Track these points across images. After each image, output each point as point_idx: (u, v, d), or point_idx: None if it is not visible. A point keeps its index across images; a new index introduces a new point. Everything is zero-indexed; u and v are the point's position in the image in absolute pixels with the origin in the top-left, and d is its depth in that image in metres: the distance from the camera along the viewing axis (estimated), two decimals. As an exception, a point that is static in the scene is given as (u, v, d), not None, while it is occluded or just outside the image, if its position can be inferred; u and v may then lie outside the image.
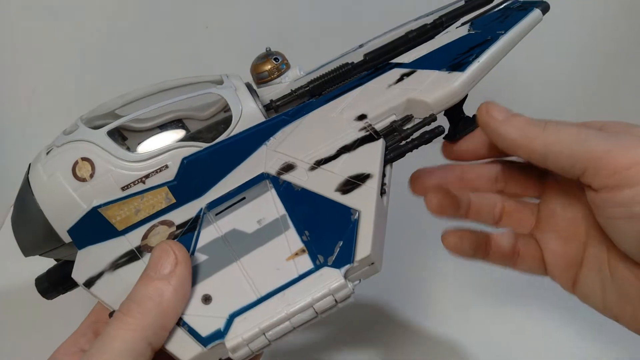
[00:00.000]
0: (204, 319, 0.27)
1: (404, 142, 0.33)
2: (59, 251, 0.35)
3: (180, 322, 0.27)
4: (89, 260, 0.33)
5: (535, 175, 0.34)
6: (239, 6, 0.61)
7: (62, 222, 0.34)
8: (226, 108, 0.36)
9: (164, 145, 0.34)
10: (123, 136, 0.39)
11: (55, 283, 0.37)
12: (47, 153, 0.35)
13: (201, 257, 0.30)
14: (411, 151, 0.32)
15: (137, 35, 0.63)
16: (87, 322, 0.32)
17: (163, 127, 0.37)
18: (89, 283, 0.32)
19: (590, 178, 0.26)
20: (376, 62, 0.42)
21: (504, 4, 0.39)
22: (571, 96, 0.67)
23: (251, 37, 0.47)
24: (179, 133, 0.36)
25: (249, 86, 0.37)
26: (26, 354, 0.46)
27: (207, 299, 0.28)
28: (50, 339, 0.33)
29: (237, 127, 0.35)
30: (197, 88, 0.38)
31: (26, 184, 0.35)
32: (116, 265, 0.32)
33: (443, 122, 0.34)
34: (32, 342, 0.48)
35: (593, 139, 0.26)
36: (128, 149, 0.34)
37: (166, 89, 0.38)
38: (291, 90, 0.41)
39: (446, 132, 0.34)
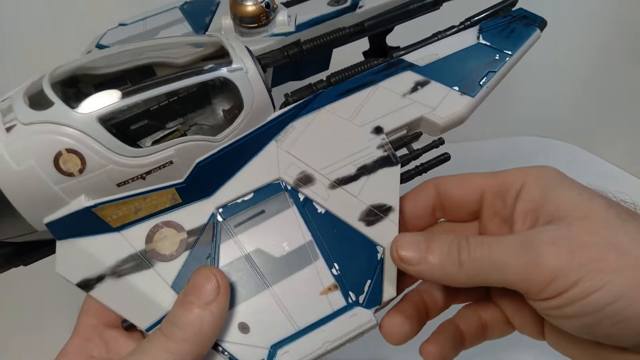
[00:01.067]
0: (245, 348, 0.29)
1: (414, 166, 0.34)
2: (27, 236, 0.31)
3: (220, 349, 0.29)
4: (79, 256, 0.30)
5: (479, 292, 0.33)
6: None
7: (37, 213, 0.29)
8: (222, 84, 0.32)
9: (165, 137, 0.30)
10: (76, 79, 0.32)
11: (11, 256, 0.33)
12: (8, 129, 0.28)
13: (229, 278, 0.30)
14: (420, 175, 0.35)
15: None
16: (87, 325, 0.31)
17: (146, 102, 0.31)
18: (86, 285, 0.30)
19: (522, 292, 0.26)
20: (374, 31, 0.40)
21: (506, 3, 0.39)
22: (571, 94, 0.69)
23: None
24: (177, 117, 0.31)
25: (256, 63, 0.33)
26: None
27: (244, 328, 0.29)
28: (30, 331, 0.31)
29: (246, 119, 0.32)
30: (199, 53, 0.32)
31: None
32: (121, 271, 0.30)
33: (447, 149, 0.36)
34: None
35: (509, 266, 0.25)
36: (117, 133, 0.29)
37: (156, 49, 0.32)
38: (283, 47, 0.37)
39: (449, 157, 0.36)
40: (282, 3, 0.42)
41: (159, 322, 0.29)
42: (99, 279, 0.30)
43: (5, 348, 0.43)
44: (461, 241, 0.27)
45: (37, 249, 0.33)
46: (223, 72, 0.31)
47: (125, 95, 0.29)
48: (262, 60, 0.36)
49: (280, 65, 0.39)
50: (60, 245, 0.30)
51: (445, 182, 0.32)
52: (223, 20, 0.39)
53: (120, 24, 0.44)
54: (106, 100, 0.29)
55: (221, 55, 0.32)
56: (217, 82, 0.31)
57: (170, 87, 0.30)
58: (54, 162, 0.28)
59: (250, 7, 0.37)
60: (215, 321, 0.27)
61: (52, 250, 0.33)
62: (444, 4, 0.41)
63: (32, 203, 0.29)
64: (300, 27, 0.38)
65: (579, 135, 0.71)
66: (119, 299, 0.30)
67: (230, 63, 0.31)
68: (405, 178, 0.34)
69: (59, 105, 0.28)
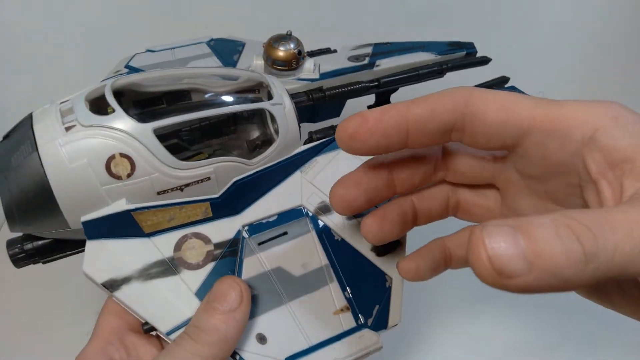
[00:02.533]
0: (262, 359, 0.31)
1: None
2: (56, 233, 0.32)
3: (237, 357, 0.31)
4: (108, 257, 0.32)
5: (488, 161, 0.26)
6: (239, 6, 0.58)
7: (75, 210, 0.31)
8: (263, 115, 0.35)
9: (209, 155, 0.33)
10: (120, 93, 0.35)
11: (32, 252, 0.34)
12: (67, 129, 0.30)
13: (251, 291, 0.32)
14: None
15: (137, 35, 0.58)
16: (108, 327, 0.31)
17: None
18: (112, 285, 0.31)
19: None
20: (387, 88, 0.45)
21: (499, 80, 0.46)
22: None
23: (251, 37, 0.45)
24: (220, 137, 0.34)
25: (292, 102, 0.36)
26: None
27: (262, 339, 0.31)
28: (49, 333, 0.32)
29: (277, 148, 0.35)
30: (244, 89, 0.36)
31: (35, 156, 0.29)
32: (148, 274, 0.31)
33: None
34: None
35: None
36: (167, 145, 0.32)
37: (207, 77, 0.35)
38: (308, 91, 0.42)
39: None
40: (307, 52, 0.46)
41: (179, 327, 0.30)
42: (125, 280, 0.31)
43: (19, 349, 0.42)
44: (571, 222, 0.17)
45: (58, 248, 0.34)
46: (266, 105, 0.34)
47: (179, 112, 0.32)
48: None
49: (300, 108, 0.43)
50: (90, 244, 0.32)
51: (479, 99, 0.22)
52: (255, 61, 0.43)
53: (148, 50, 0.47)
54: (162, 114, 0.31)
55: (264, 90, 0.36)
56: (259, 113, 0.34)
57: (220, 111, 0.33)
58: (106, 163, 0.30)
59: (283, 52, 0.41)
60: (238, 327, 0.29)
61: (70, 252, 0.34)
62: (447, 74, 0.46)
63: (74, 199, 0.30)
64: (323, 76, 0.43)
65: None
66: (143, 301, 0.31)
67: (272, 97, 0.35)
68: None
69: (119, 112, 0.30)
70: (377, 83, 0.43)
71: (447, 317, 0.51)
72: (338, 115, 0.47)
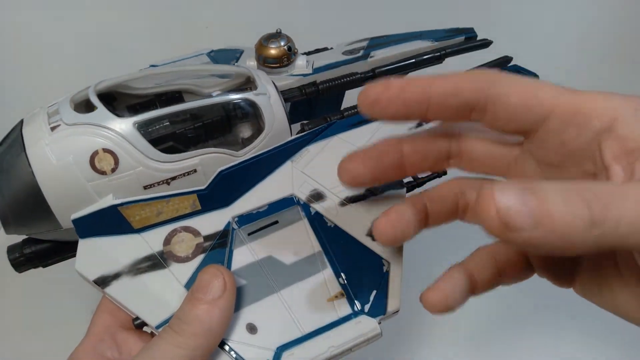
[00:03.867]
0: (252, 349, 0.30)
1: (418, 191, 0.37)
2: (50, 234, 0.33)
3: (227, 348, 0.30)
4: (99, 255, 0.32)
5: (499, 150, 0.26)
6: (239, 6, 0.58)
7: (65, 209, 0.31)
8: (247, 105, 0.35)
9: (194, 148, 0.33)
10: (112, 96, 0.36)
11: (32, 256, 0.34)
12: (53, 129, 0.31)
13: (240, 281, 0.32)
14: (419, 187, 0.37)
15: (138, 35, 0.59)
16: (101, 325, 0.32)
17: (178, 114, 0.34)
18: (103, 282, 0.31)
19: None
20: (382, 78, 0.44)
21: (501, 60, 0.44)
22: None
23: (251, 37, 0.45)
24: (205, 129, 0.34)
25: (278, 91, 0.36)
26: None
27: (252, 329, 0.30)
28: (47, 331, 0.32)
29: (266, 138, 0.35)
30: (228, 82, 0.36)
31: (22, 157, 0.30)
32: (137, 269, 0.31)
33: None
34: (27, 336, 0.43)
35: None
36: (151, 139, 0.32)
37: (193, 71, 0.36)
38: (301, 85, 0.41)
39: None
40: (302, 53, 0.46)
41: (168, 320, 0.30)
42: (116, 276, 0.31)
43: (17, 348, 0.43)
44: (580, 188, 0.18)
45: (57, 251, 0.35)
46: (250, 95, 0.34)
47: (161, 105, 0.32)
48: (282, 95, 0.40)
49: (297, 104, 0.43)
50: (82, 243, 0.32)
51: (502, 83, 0.23)
52: (248, 62, 0.43)
53: (152, 65, 0.49)
54: (144, 109, 0.32)
55: (248, 82, 0.36)
56: (243, 104, 0.34)
57: (202, 103, 0.33)
58: (90, 159, 0.30)
59: (274, 49, 0.41)
60: (223, 316, 0.29)
61: (69, 254, 0.34)
62: (447, 60, 0.45)
63: (63, 198, 0.31)
64: (317, 70, 0.42)
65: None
66: (133, 296, 0.31)
67: (255, 88, 0.35)
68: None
69: (101, 109, 0.31)
70: (372, 73, 0.43)
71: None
72: (338, 110, 0.47)
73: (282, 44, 0.41)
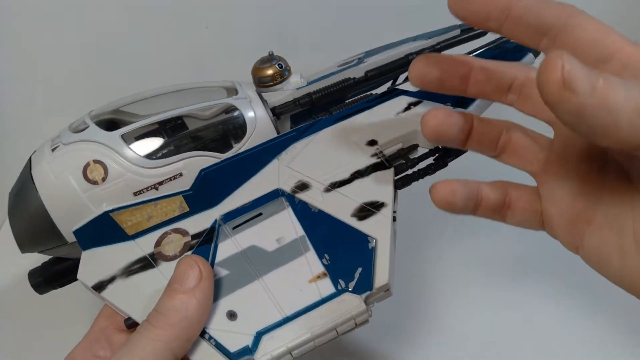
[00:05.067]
0: (231, 335, 0.29)
1: (411, 171, 0.35)
2: (60, 250, 0.35)
3: (207, 336, 0.29)
4: (97, 262, 0.33)
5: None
6: (239, 6, 0.61)
7: (67, 222, 0.34)
8: (234, 110, 0.36)
9: (178, 152, 0.35)
10: (110, 112, 0.38)
11: (49, 278, 0.37)
12: (53, 150, 0.34)
13: (222, 272, 0.31)
14: (417, 180, 0.35)
15: (138, 35, 0.62)
16: (97, 327, 0.33)
17: (170, 124, 0.36)
18: (99, 287, 0.32)
19: None
20: (377, 80, 0.44)
21: (499, 42, 0.42)
22: None
23: (252, 37, 0.47)
24: (188, 135, 0.36)
25: (260, 96, 0.38)
26: (26, 354, 0.45)
27: (232, 315, 0.30)
28: (50, 338, 0.33)
29: (250, 139, 0.36)
30: (211, 94, 0.38)
31: (28, 179, 0.34)
32: (129, 271, 0.32)
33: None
34: (31, 341, 0.47)
35: None
36: (136, 148, 0.34)
37: (177, 91, 0.38)
38: (294, 98, 0.42)
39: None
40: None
41: None
42: (111, 280, 0.32)
43: (27, 350, 0.45)
44: None
45: (72, 270, 0.37)
46: (229, 100, 0.36)
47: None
48: (277, 109, 0.42)
49: (297, 117, 0.44)
50: (85, 254, 0.34)
51: (581, 16, 0.23)
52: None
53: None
54: (129, 122, 0.35)
55: (231, 91, 0.38)
56: (223, 108, 0.36)
57: (183, 110, 0.35)
58: (83, 171, 0.33)
59: (266, 69, 0.43)
60: (200, 305, 0.28)
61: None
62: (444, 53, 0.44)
63: (64, 210, 0.33)
64: (310, 82, 0.44)
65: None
66: (124, 297, 0.32)
67: (236, 94, 0.37)
68: (402, 183, 0.35)
69: (92, 127, 0.34)
70: (365, 77, 0.43)
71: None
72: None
73: (274, 63, 0.44)
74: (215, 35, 0.53)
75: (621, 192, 0.24)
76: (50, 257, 0.37)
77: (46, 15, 0.61)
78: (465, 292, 0.50)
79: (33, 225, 0.34)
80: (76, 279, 0.37)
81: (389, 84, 0.44)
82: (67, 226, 0.34)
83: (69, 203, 0.33)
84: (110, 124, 0.35)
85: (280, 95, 0.43)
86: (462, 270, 0.52)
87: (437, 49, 0.44)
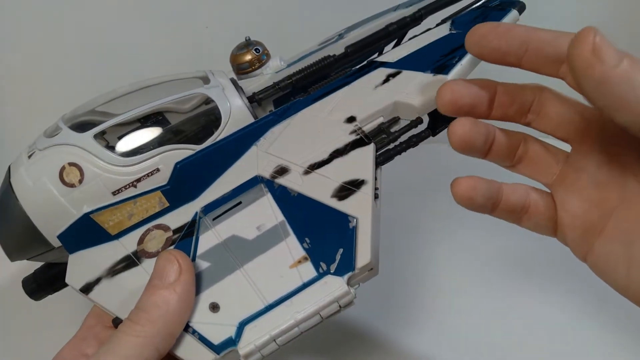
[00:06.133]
0: (214, 327, 0.28)
1: (392, 146, 0.34)
2: (48, 255, 0.35)
3: (190, 330, 0.28)
4: (83, 265, 0.33)
5: (577, 116, 0.29)
6: (239, 6, 0.60)
7: (51, 227, 0.34)
8: (207, 100, 0.36)
9: (153, 148, 0.34)
10: (82, 114, 0.38)
11: (43, 284, 0.37)
12: (29, 156, 0.34)
13: (203, 264, 0.31)
14: (399, 154, 0.34)
15: (137, 35, 0.61)
16: (86, 326, 0.33)
17: (144, 120, 0.36)
18: (87, 289, 0.32)
19: None
20: (358, 55, 0.42)
21: (482, 1, 0.40)
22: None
23: (252, 37, 0.47)
24: (162, 129, 0.35)
25: (234, 83, 0.37)
26: (20, 356, 0.46)
27: (214, 307, 0.29)
28: (44, 341, 0.33)
29: (226, 128, 0.35)
30: (183, 85, 0.37)
31: (8, 188, 0.34)
32: (114, 271, 0.32)
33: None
34: (24, 344, 0.47)
35: None
36: (110, 146, 0.34)
37: (149, 86, 0.38)
38: (274, 82, 0.41)
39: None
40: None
41: None
42: (97, 281, 0.32)
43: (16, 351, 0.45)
44: None
45: (64, 275, 0.37)
46: (201, 89, 0.35)
47: (117, 115, 0.34)
48: (256, 96, 0.41)
49: (280, 101, 0.43)
50: (71, 258, 0.34)
51: None
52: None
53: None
54: (102, 122, 0.34)
55: (205, 81, 0.37)
56: (196, 98, 0.35)
57: (154, 105, 0.35)
58: (59, 175, 0.33)
59: (244, 55, 0.42)
60: (182, 300, 0.28)
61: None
62: (427, 20, 0.43)
63: (46, 216, 0.33)
64: (290, 64, 0.43)
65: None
66: (110, 296, 0.31)
67: (208, 82, 0.36)
68: (384, 159, 0.33)
69: (65, 130, 0.34)
70: (344, 53, 0.42)
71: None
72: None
73: (251, 48, 0.42)
74: (215, 35, 0.53)
75: (635, 207, 0.26)
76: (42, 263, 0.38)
77: (46, 15, 0.60)
78: (467, 291, 0.49)
79: (18, 233, 0.34)
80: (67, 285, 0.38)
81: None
82: (51, 231, 0.34)
83: (50, 208, 0.33)
84: (85, 125, 0.35)
85: (260, 80, 0.42)
86: (465, 269, 0.50)
87: (419, 16, 0.42)
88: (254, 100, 0.40)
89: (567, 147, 0.30)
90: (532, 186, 0.30)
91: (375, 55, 0.40)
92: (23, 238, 0.34)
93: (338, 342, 0.45)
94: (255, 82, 0.42)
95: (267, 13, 0.58)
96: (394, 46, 0.40)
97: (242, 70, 0.43)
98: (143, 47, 0.52)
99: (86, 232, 0.33)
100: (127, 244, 0.33)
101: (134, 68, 0.62)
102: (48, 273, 0.37)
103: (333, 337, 0.45)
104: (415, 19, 0.42)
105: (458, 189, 0.29)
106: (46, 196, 0.33)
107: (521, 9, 0.38)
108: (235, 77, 0.43)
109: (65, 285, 0.37)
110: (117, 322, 0.31)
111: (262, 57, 0.43)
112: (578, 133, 0.29)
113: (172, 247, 0.32)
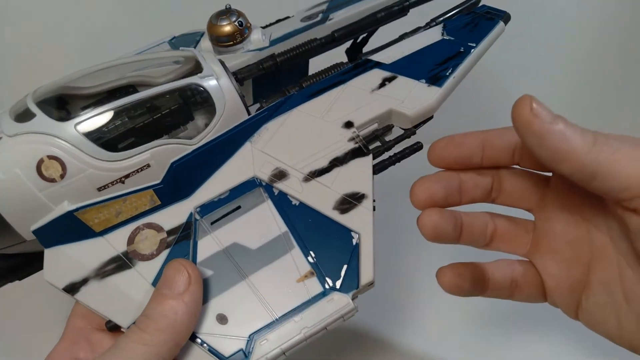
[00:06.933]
0: (224, 339, 0.29)
1: (387, 156, 0.35)
2: (17, 247, 0.32)
3: (198, 341, 0.29)
4: (64, 262, 0.31)
5: (532, 186, 0.32)
6: (239, 6, 0.55)
7: (24, 221, 0.31)
8: (194, 90, 0.34)
9: (143, 142, 0.32)
10: (64, 100, 0.35)
11: (6, 272, 0.34)
12: (-5, 142, 0.30)
13: (206, 272, 0.31)
14: (393, 164, 0.35)
15: (137, 35, 0.58)
16: (74, 328, 0.32)
17: (123, 110, 0.33)
18: (72, 289, 0.31)
19: None
20: (345, 40, 0.42)
21: (469, 3, 0.41)
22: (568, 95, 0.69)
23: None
24: (152, 120, 0.33)
25: (227, 71, 0.35)
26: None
27: (222, 319, 0.30)
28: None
29: (220, 122, 0.34)
30: (172, 66, 0.34)
31: None
32: (104, 272, 0.31)
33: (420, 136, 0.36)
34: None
35: None
36: (96, 139, 0.31)
37: (134, 62, 0.34)
38: (258, 61, 0.39)
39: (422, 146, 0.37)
40: (262, 27, 0.44)
41: None
42: (84, 281, 0.31)
43: None
44: (596, 131, 0.25)
45: (30, 263, 0.34)
46: (194, 79, 0.33)
47: (102, 103, 0.31)
48: (239, 74, 0.39)
49: (259, 80, 0.41)
50: (48, 252, 0.32)
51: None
52: (202, 44, 0.41)
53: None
54: (84, 109, 0.31)
55: (194, 65, 0.34)
56: (189, 89, 0.33)
57: (144, 95, 0.32)
58: (36, 169, 0.30)
59: (225, 26, 0.39)
60: (189, 311, 0.28)
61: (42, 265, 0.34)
62: (413, 11, 0.42)
63: (19, 210, 0.30)
64: (273, 42, 0.40)
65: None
66: (102, 300, 0.30)
67: (201, 71, 0.33)
68: (378, 169, 0.34)
69: (40, 116, 0.30)
70: (332, 37, 0.40)
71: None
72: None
73: (233, 19, 0.40)
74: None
75: (606, 256, 0.28)
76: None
77: (45, 15, 0.58)
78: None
79: None
80: (36, 271, 0.35)
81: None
82: (24, 225, 0.31)
83: (24, 202, 0.30)
84: (60, 107, 0.31)
85: (242, 57, 0.40)
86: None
87: (406, 5, 0.42)
88: (237, 79, 0.38)
89: (531, 217, 0.33)
90: (513, 259, 0.32)
91: (369, 52, 0.39)
92: None
93: (335, 338, 0.46)
94: (237, 59, 0.40)
95: (267, 14, 0.56)
96: (385, 45, 0.40)
97: (221, 43, 0.40)
98: (142, 45, 0.48)
99: (68, 229, 0.31)
100: (115, 243, 0.32)
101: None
102: (12, 260, 0.34)
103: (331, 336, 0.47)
104: (403, 9, 0.42)
105: (443, 280, 0.31)
106: (20, 190, 0.30)
107: (506, 19, 0.40)
108: (212, 47, 0.41)
109: (31, 273, 0.35)
110: (110, 325, 0.31)
111: (244, 31, 0.40)
112: (538, 199, 0.32)
113: (167, 250, 0.32)
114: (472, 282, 0.31)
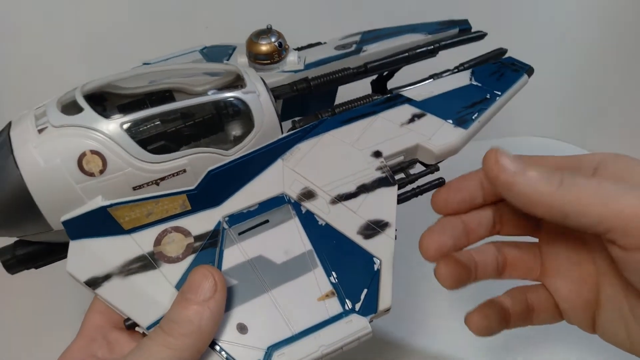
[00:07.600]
0: (243, 349, 0.30)
1: (410, 188, 0.37)
2: (40, 236, 0.33)
3: (217, 348, 0.30)
4: (89, 256, 0.32)
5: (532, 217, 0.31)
6: (239, 6, 0.57)
7: (54, 211, 0.31)
8: (242, 106, 0.35)
9: (182, 147, 0.33)
10: (102, 97, 0.35)
11: (24, 258, 0.34)
12: (40, 131, 0.31)
13: (230, 281, 0.31)
14: (416, 197, 0.37)
15: (137, 35, 0.58)
16: (92, 325, 0.32)
17: (167, 114, 0.34)
18: (94, 283, 0.31)
19: (618, 237, 0.24)
20: (375, 73, 0.43)
21: (496, 52, 0.44)
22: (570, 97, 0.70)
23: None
24: (193, 127, 0.34)
25: (268, 90, 0.36)
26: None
27: (242, 328, 0.30)
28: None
29: (256, 137, 0.35)
30: (217, 79, 0.35)
31: (9, 160, 0.30)
32: (128, 270, 0.31)
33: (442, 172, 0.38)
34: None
35: (617, 197, 0.24)
36: (138, 140, 0.32)
37: (183, 70, 0.35)
38: (292, 82, 0.41)
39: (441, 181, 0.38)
40: (294, 48, 0.46)
41: (159, 321, 0.30)
42: (107, 277, 0.31)
43: (10, 348, 0.43)
44: (563, 171, 0.26)
45: (49, 252, 0.35)
46: (238, 93, 0.34)
47: (140, 104, 0.32)
48: (273, 92, 0.40)
49: (289, 101, 0.42)
50: (73, 244, 0.32)
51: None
52: (239, 59, 0.43)
53: (144, 63, 0.49)
54: (131, 110, 0.32)
55: (237, 80, 0.36)
56: (231, 102, 0.34)
57: (190, 102, 0.33)
58: (77, 161, 0.30)
59: (264, 45, 0.41)
60: (213, 317, 0.28)
61: (62, 255, 0.34)
62: (440, 52, 0.45)
63: (52, 200, 0.31)
64: (308, 66, 0.42)
65: (579, 136, 0.72)
66: (124, 297, 0.31)
67: (244, 86, 0.35)
68: (401, 199, 0.36)
69: (88, 111, 0.31)
70: (364, 68, 0.42)
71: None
72: (331, 106, 0.46)
73: (273, 40, 0.41)
74: (215, 35, 0.50)
75: (610, 274, 0.29)
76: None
77: (45, 14, 0.58)
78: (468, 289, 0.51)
79: (15, 210, 0.31)
80: (54, 261, 0.36)
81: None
82: (55, 214, 0.31)
83: (59, 192, 0.31)
84: (108, 107, 0.32)
85: (277, 77, 0.42)
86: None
87: (436, 47, 0.44)
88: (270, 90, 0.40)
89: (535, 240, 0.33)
90: (524, 286, 0.33)
91: (401, 87, 0.41)
92: (19, 216, 0.31)
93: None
94: (272, 77, 0.42)
95: (266, 12, 0.58)
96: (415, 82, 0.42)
97: (259, 60, 0.42)
98: (142, 46, 0.49)
99: (97, 224, 0.32)
100: (142, 243, 0.32)
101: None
102: (32, 247, 0.34)
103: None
104: (433, 50, 0.44)
105: (473, 326, 0.32)
106: (57, 180, 0.30)
107: (530, 72, 0.42)
108: (247, 63, 0.42)
109: (48, 263, 0.35)
110: (128, 323, 0.31)
111: (282, 52, 0.42)
112: (538, 225, 0.32)
113: (193, 255, 0.32)
114: (498, 320, 0.31)
